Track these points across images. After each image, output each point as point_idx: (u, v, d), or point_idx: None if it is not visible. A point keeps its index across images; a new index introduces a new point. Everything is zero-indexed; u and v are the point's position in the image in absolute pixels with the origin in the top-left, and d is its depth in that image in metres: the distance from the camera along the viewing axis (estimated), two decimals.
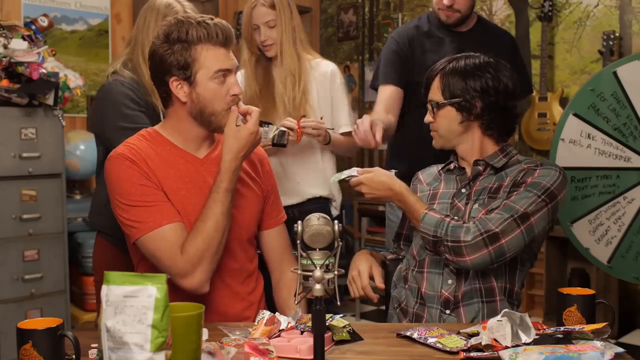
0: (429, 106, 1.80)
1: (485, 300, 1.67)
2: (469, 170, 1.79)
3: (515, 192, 1.64)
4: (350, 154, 2.62)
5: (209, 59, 1.58)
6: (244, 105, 1.65)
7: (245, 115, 1.64)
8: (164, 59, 1.59)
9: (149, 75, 2.09)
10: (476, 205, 1.71)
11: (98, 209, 2.17)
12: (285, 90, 2.34)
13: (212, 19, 1.63)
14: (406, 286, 1.80)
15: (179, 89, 1.61)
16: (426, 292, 1.71)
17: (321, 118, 2.32)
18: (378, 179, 1.70)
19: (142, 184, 1.59)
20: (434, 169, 1.92)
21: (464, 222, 1.63)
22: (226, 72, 1.61)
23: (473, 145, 1.77)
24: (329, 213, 2.45)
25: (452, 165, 1.85)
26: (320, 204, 2.42)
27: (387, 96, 2.45)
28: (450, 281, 1.69)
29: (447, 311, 1.68)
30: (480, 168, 1.76)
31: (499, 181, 1.73)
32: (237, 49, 2.16)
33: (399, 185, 1.70)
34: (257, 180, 1.79)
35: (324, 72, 2.43)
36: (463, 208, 1.73)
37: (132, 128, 2.00)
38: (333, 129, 2.37)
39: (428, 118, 1.82)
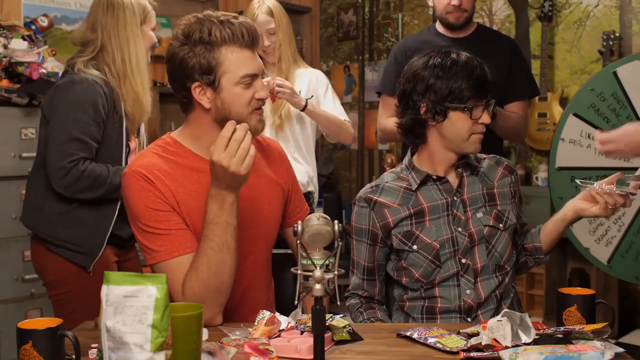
0: (488, 106, 1.69)
1: (497, 305, 1.70)
2: (452, 177, 1.74)
3: (520, 205, 1.84)
4: (338, 135, 2.77)
5: (235, 62, 1.47)
6: (238, 127, 1.40)
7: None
8: (185, 62, 1.47)
9: (120, 78, 2.06)
10: (480, 214, 1.71)
11: (51, 217, 2.05)
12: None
13: (236, 17, 1.50)
14: (405, 308, 1.76)
15: (201, 94, 1.49)
16: (442, 307, 1.69)
17: (311, 96, 2.58)
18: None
19: (156, 209, 1.48)
20: (392, 187, 1.75)
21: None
22: (253, 77, 1.50)
23: None
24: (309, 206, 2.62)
25: (429, 177, 1.73)
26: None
27: (393, 110, 2.56)
28: (468, 291, 1.68)
29: (469, 319, 1.67)
30: (460, 170, 1.74)
31: (486, 186, 1.76)
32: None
33: None
34: (278, 182, 1.69)
35: (310, 75, 2.68)
36: (463, 217, 1.71)
37: (78, 139, 1.97)
38: (312, 96, 2.59)
39: (489, 117, 1.70)
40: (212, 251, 1.42)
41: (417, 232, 1.70)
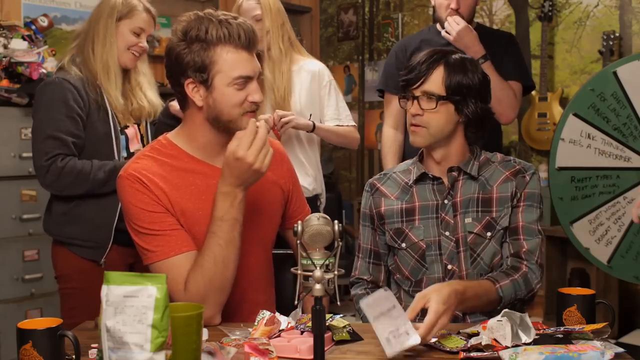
0: (422, 97, 1.64)
1: (489, 316, 1.65)
2: (446, 180, 1.72)
3: (519, 208, 1.68)
4: (345, 145, 2.73)
5: (229, 62, 1.47)
6: (259, 124, 1.46)
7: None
8: (181, 58, 1.48)
9: (102, 70, 2.06)
10: (469, 219, 1.68)
11: (57, 217, 2.12)
12: (274, 79, 2.47)
13: (235, 18, 1.50)
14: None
15: (194, 92, 1.50)
16: None
17: (310, 116, 2.49)
18: (444, 292, 1.41)
19: (151, 211, 1.50)
20: (396, 178, 1.78)
21: (521, 265, 1.64)
22: (247, 79, 1.50)
23: (451, 150, 1.70)
24: (316, 209, 2.58)
25: (426, 175, 1.72)
26: (310, 202, 2.50)
27: (396, 110, 2.62)
28: None
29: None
30: (455, 174, 1.71)
31: (483, 190, 1.70)
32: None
33: (454, 283, 1.49)
34: (278, 183, 1.69)
35: (310, 71, 2.57)
36: (452, 221, 1.69)
37: (52, 136, 2.00)
38: (311, 114, 2.51)
39: (416, 109, 1.65)
40: (219, 247, 1.44)
41: (407, 230, 1.71)
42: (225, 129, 1.53)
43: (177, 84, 1.53)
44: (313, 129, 2.49)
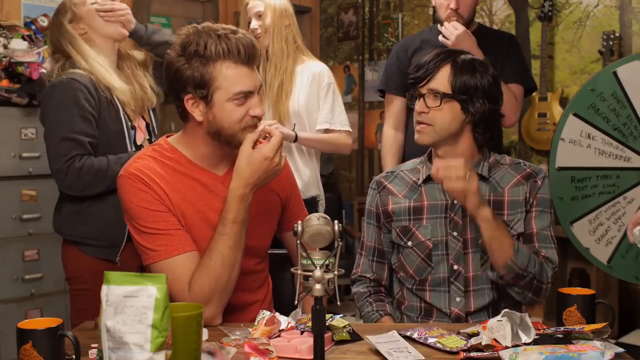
0: (428, 95, 1.66)
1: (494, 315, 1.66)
2: None
3: (532, 214, 1.70)
4: (335, 152, 2.71)
5: (229, 78, 1.46)
6: (267, 126, 1.52)
7: (265, 136, 1.51)
8: (180, 74, 1.47)
9: (105, 68, 2.05)
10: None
11: (69, 217, 2.11)
12: (271, 77, 2.47)
13: (235, 32, 1.49)
14: (402, 307, 1.75)
15: (194, 107, 1.50)
16: (434, 308, 1.69)
17: (294, 126, 2.48)
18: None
19: (154, 209, 1.49)
20: (404, 177, 1.78)
21: (540, 257, 1.68)
22: (247, 94, 1.49)
23: (458, 149, 1.70)
24: (315, 211, 2.53)
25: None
26: (307, 205, 2.49)
27: (397, 110, 2.62)
28: (458, 299, 1.67)
29: None
30: None
31: (494, 192, 1.70)
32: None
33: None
34: (275, 190, 1.68)
35: (312, 71, 2.56)
36: (461, 221, 1.69)
37: (67, 138, 1.99)
38: (295, 124, 2.49)
39: (422, 107, 1.68)
40: (228, 249, 1.46)
41: (414, 229, 1.71)
42: (226, 142, 1.53)
43: (177, 99, 1.52)
44: (295, 139, 2.47)
